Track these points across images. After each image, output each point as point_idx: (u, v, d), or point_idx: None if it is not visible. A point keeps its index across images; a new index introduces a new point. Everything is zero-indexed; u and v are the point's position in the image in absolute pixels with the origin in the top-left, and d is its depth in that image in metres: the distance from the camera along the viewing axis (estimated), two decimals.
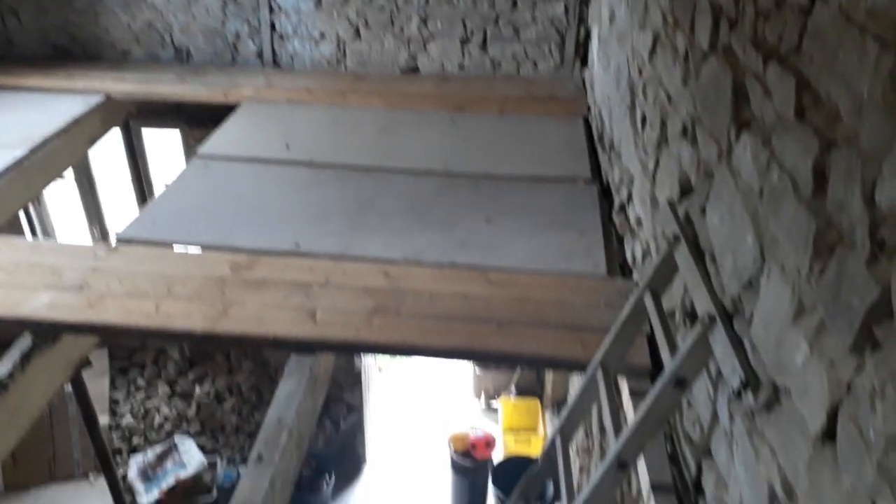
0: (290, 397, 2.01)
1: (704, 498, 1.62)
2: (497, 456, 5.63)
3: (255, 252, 2.59)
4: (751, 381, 1.27)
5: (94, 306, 2.29)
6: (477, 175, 3.24)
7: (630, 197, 2.61)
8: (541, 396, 6.39)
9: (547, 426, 6.00)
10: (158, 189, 5.49)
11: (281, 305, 2.30)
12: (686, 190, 1.85)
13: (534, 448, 5.72)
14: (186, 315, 2.25)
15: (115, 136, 4.77)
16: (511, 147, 3.53)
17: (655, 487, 1.77)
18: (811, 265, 1.09)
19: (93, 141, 3.92)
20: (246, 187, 3.10)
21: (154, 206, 2.97)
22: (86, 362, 2.63)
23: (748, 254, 1.35)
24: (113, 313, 2.27)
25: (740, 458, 1.38)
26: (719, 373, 1.46)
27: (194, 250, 2.74)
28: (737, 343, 1.35)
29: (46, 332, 2.30)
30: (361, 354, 5.68)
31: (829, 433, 1.04)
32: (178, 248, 2.77)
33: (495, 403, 6.62)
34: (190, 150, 5.12)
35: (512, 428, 6.10)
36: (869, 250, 0.93)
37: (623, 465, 1.57)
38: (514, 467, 5.12)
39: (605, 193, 3.11)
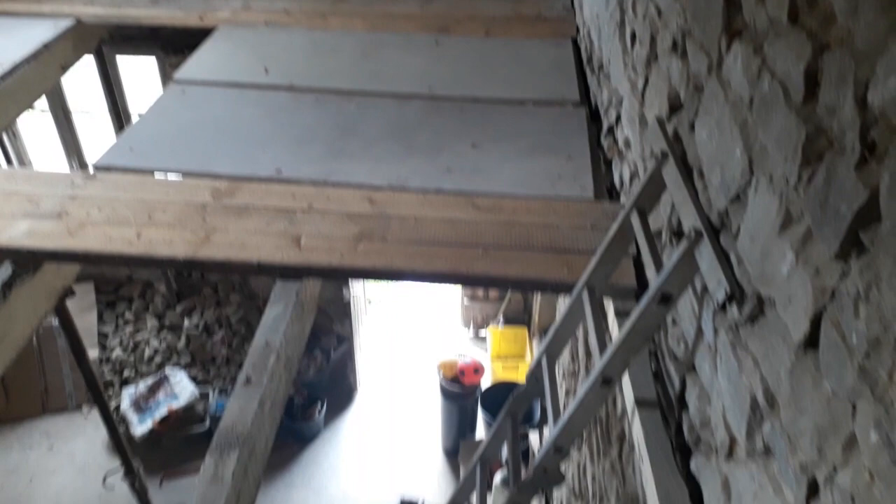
0: (277, 321, 2.00)
1: (688, 412, 1.64)
2: (485, 382, 5.75)
3: (236, 178, 2.54)
4: (736, 293, 1.27)
5: (74, 234, 2.26)
6: (463, 99, 3.17)
7: (618, 119, 2.57)
8: (528, 325, 6.48)
9: (534, 353, 6.11)
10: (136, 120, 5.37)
11: (264, 231, 2.27)
12: (675, 107, 1.82)
13: (521, 375, 5.84)
14: (168, 242, 2.22)
15: (89, 66, 4.63)
16: (498, 70, 3.44)
17: (639, 403, 1.81)
18: (800, 173, 1.07)
19: (65, 68, 3.79)
20: (224, 113, 3.02)
21: (131, 132, 2.89)
22: (69, 292, 2.61)
23: (736, 167, 1.33)
24: (93, 241, 2.23)
25: (723, 372, 1.39)
26: (705, 289, 1.46)
27: (173, 177, 2.68)
28: (722, 257, 1.34)
29: (27, 261, 2.26)
30: (349, 282, 5.70)
31: (811, 341, 1.04)
32: (157, 176, 2.71)
33: (484, 332, 6.71)
34: (168, 79, 4.97)
35: (500, 356, 6.21)
36: (859, 154, 0.91)
37: (607, 382, 1.59)
38: (502, 392, 5.23)
39: (594, 117, 3.06)
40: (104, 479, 4.75)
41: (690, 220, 1.47)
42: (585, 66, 3.43)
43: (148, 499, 3.93)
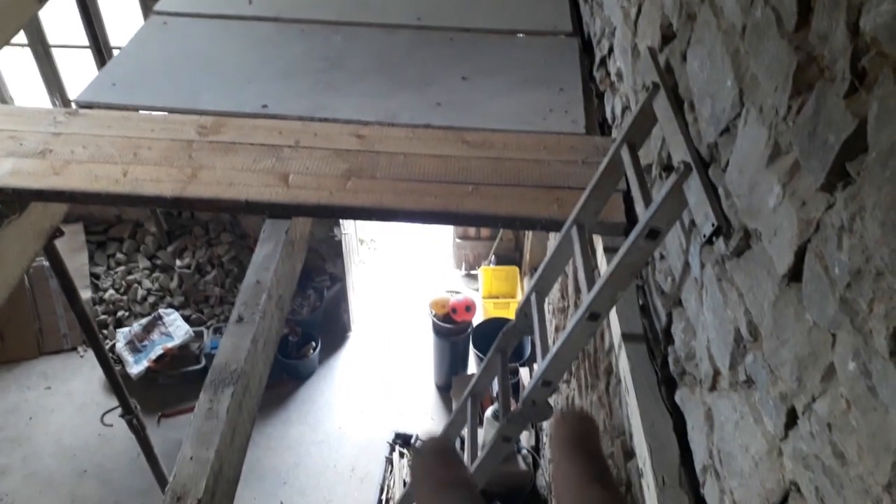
0: (268, 260, 2.00)
1: (673, 345, 1.67)
2: (477, 320, 5.81)
3: (222, 114, 2.50)
4: (723, 227, 1.27)
5: (60, 172, 2.22)
6: (452, 29, 3.09)
7: (611, 50, 2.51)
8: (520, 264, 6.51)
9: (525, 291, 6.15)
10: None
11: (251, 168, 2.24)
12: (668, 37, 1.77)
13: (512, 313, 5.89)
14: (155, 180, 2.19)
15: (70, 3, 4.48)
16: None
17: (626, 337, 1.83)
18: (789, 104, 1.05)
19: (41, 0, 3.66)
20: (208, 46, 2.94)
21: (112, 67, 2.82)
22: (58, 231, 2.59)
23: (727, 98, 1.31)
24: (79, 179, 2.20)
25: (709, 305, 1.41)
26: (692, 223, 1.46)
27: (156, 114, 2.63)
28: (710, 190, 1.34)
29: (12, 201, 2.24)
30: (340, 221, 5.68)
31: (795, 273, 1.05)
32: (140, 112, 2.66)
33: (475, 272, 6.74)
34: (148, 10, 4.83)
35: (491, 294, 6.25)
36: (849, 83, 0.90)
37: (595, 316, 1.60)
38: (493, 327, 5.30)
39: (586, 48, 3.00)
40: (102, 418, 4.84)
41: (680, 154, 1.46)
42: None
43: (146, 436, 4.01)
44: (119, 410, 3.88)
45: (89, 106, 2.62)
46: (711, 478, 1.36)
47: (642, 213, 1.54)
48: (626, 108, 2.29)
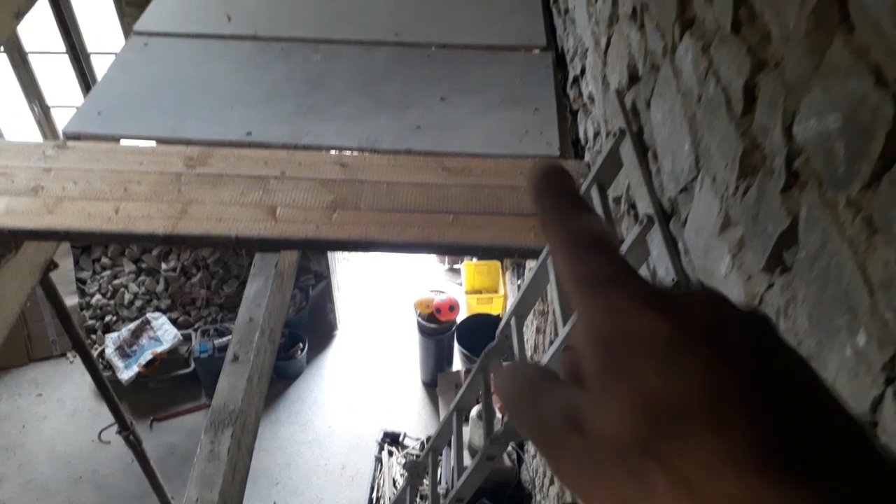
0: (259, 296, 2.09)
1: None
2: (461, 318, 5.92)
3: (207, 143, 2.57)
4: (682, 282, 1.38)
5: (53, 211, 2.29)
6: (429, 45, 3.17)
7: (584, 71, 2.61)
8: (501, 258, 6.62)
9: (507, 286, 6.27)
10: (95, 63, 5.29)
11: (239, 202, 2.32)
12: (635, 77, 1.87)
13: (495, 307, 6.02)
14: (147, 217, 2.27)
15: (44, 9, 4.48)
16: (463, 11, 3.43)
17: None
18: (737, 184, 1.16)
19: (19, 15, 3.67)
20: (190, 68, 3.00)
21: (97, 93, 2.87)
22: (52, 265, 2.66)
23: (685, 160, 1.41)
24: (72, 218, 2.26)
25: None
26: (654, 272, 1.57)
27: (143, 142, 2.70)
28: (671, 244, 1.44)
29: (7, 241, 2.30)
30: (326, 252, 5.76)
31: None
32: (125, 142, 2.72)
33: (458, 266, 6.85)
34: (124, 17, 4.87)
35: (474, 289, 6.36)
36: (785, 179, 1.00)
37: (570, 348, 1.72)
38: (476, 325, 5.43)
39: (560, 62, 3.08)
40: (99, 436, 4.93)
41: (644, 205, 1.57)
42: (552, 6, 3.42)
43: (142, 450, 4.09)
44: (115, 427, 3.96)
45: (77, 136, 2.67)
46: None
47: None
48: (597, 134, 2.39)
